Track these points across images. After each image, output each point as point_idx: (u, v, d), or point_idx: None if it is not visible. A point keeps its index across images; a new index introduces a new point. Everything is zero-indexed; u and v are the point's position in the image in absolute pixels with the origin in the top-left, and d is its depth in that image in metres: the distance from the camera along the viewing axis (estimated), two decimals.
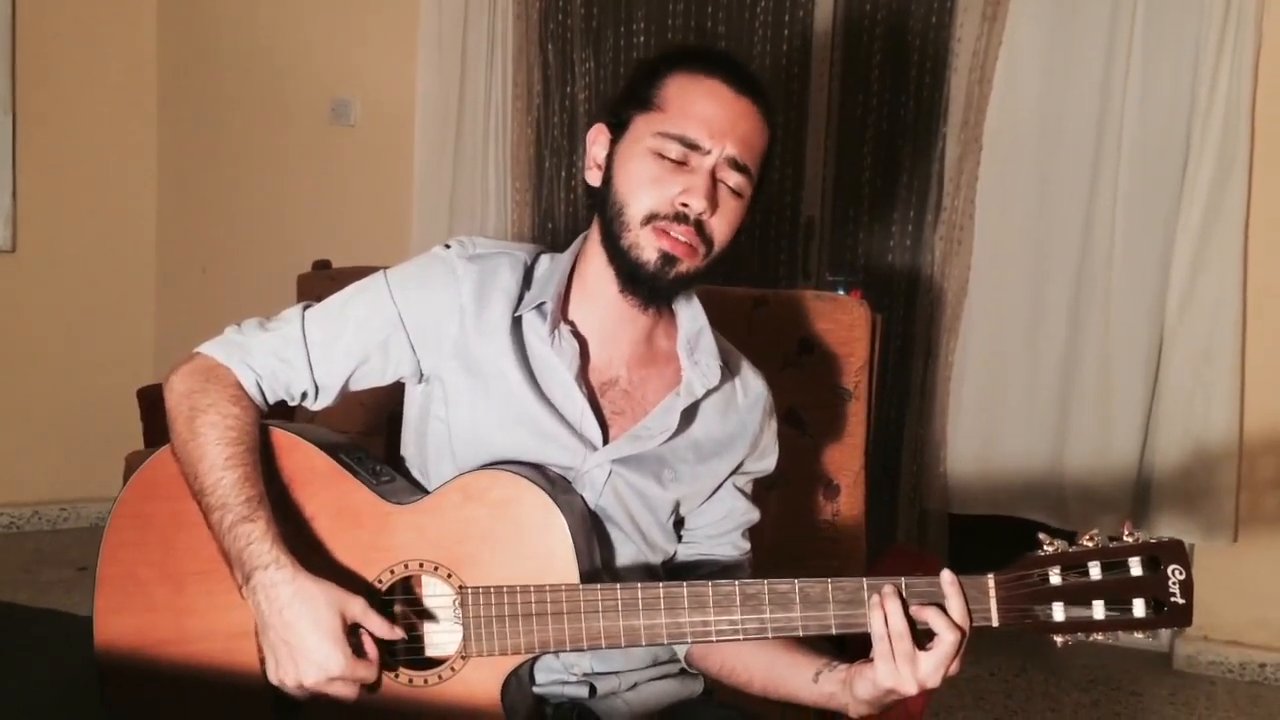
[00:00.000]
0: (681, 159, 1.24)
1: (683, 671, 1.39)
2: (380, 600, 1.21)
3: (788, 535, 1.81)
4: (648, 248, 1.24)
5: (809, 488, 1.93)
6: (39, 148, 3.86)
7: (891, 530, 3.28)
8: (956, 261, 3.17)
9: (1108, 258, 3.03)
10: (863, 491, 1.96)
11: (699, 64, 1.28)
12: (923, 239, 3.30)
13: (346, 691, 1.16)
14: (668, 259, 1.24)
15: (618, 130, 1.29)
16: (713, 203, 1.24)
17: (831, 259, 3.45)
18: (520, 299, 1.30)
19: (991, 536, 3.31)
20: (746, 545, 1.44)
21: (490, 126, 3.64)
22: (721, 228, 1.26)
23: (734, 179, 1.26)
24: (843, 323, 1.93)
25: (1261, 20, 2.86)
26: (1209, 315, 2.93)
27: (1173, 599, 1.08)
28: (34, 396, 3.93)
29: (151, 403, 2.91)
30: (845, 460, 1.95)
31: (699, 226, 1.24)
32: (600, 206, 1.29)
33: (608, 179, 1.28)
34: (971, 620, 1.12)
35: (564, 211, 3.70)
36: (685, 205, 1.23)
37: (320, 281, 3.20)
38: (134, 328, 4.08)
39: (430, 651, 1.23)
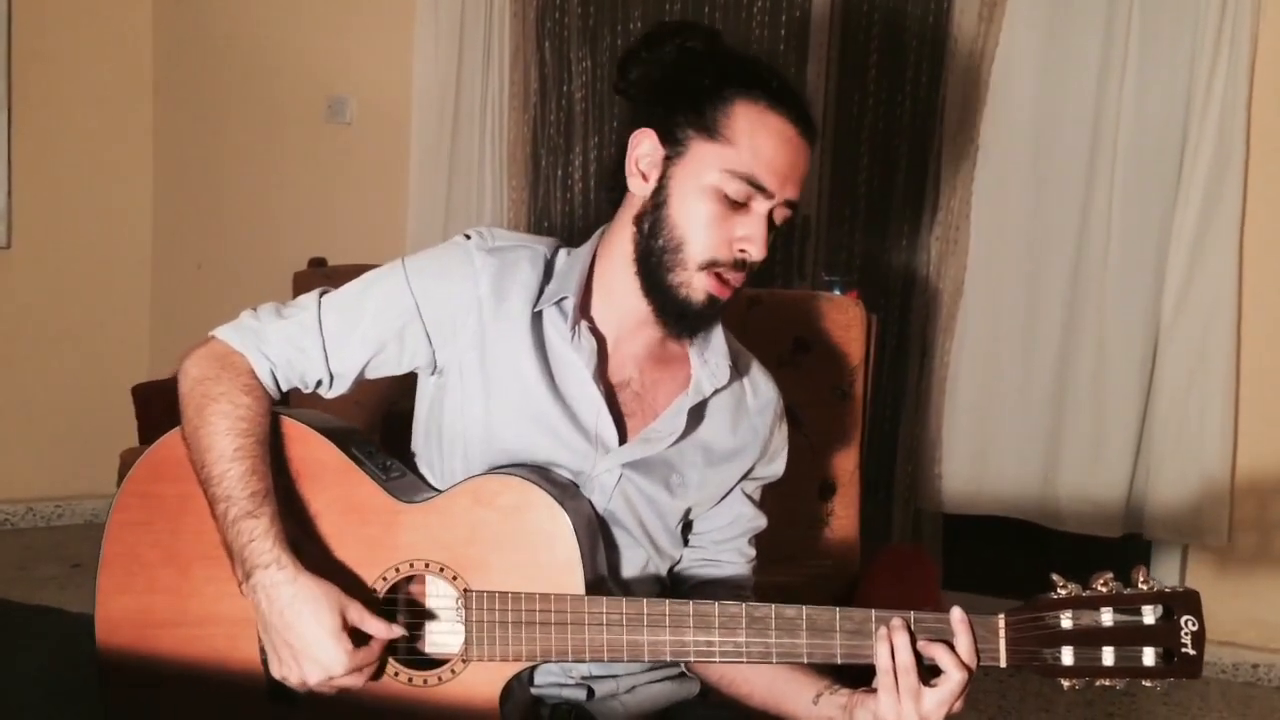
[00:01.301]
0: (743, 199, 1.22)
1: (680, 674, 1.39)
2: (380, 603, 1.21)
3: (783, 535, 1.80)
4: (699, 290, 1.23)
5: (804, 487, 1.93)
6: (34, 144, 3.85)
7: (887, 530, 3.28)
8: (952, 262, 3.17)
9: (1103, 258, 3.03)
10: (857, 491, 1.97)
11: (767, 96, 1.22)
12: (919, 239, 3.30)
13: (350, 687, 1.16)
14: (714, 300, 1.24)
15: (672, 146, 1.24)
16: (767, 248, 1.23)
17: (827, 259, 3.45)
18: (540, 293, 1.28)
19: (986, 537, 3.32)
20: (752, 552, 1.43)
21: (487, 125, 3.64)
22: (762, 260, 1.25)
23: (783, 216, 1.25)
24: (838, 323, 1.94)
25: (1258, 22, 2.86)
26: (1204, 316, 2.94)
27: (1184, 650, 1.08)
28: (28, 393, 3.92)
29: (146, 399, 2.90)
30: (840, 460, 1.96)
31: (750, 269, 1.24)
32: (643, 226, 1.25)
33: (660, 201, 1.24)
34: (979, 660, 1.12)
35: (560, 210, 3.69)
36: (743, 252, 1.22)
37: (316, 279, 3.18)
38: (129, 325, 4.07)
39: (432, 652, 1.23)
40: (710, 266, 1.22)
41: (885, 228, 3.38)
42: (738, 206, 1.22)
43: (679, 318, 1.25)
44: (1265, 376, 2.97)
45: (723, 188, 1.21)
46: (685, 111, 1.23)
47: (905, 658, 1.11)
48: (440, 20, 3.64)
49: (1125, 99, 2.97)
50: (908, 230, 3.34)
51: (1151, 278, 3.01)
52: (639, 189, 1.27)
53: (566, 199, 3.68)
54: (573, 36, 3.62)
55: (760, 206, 1.22)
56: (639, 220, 1.26)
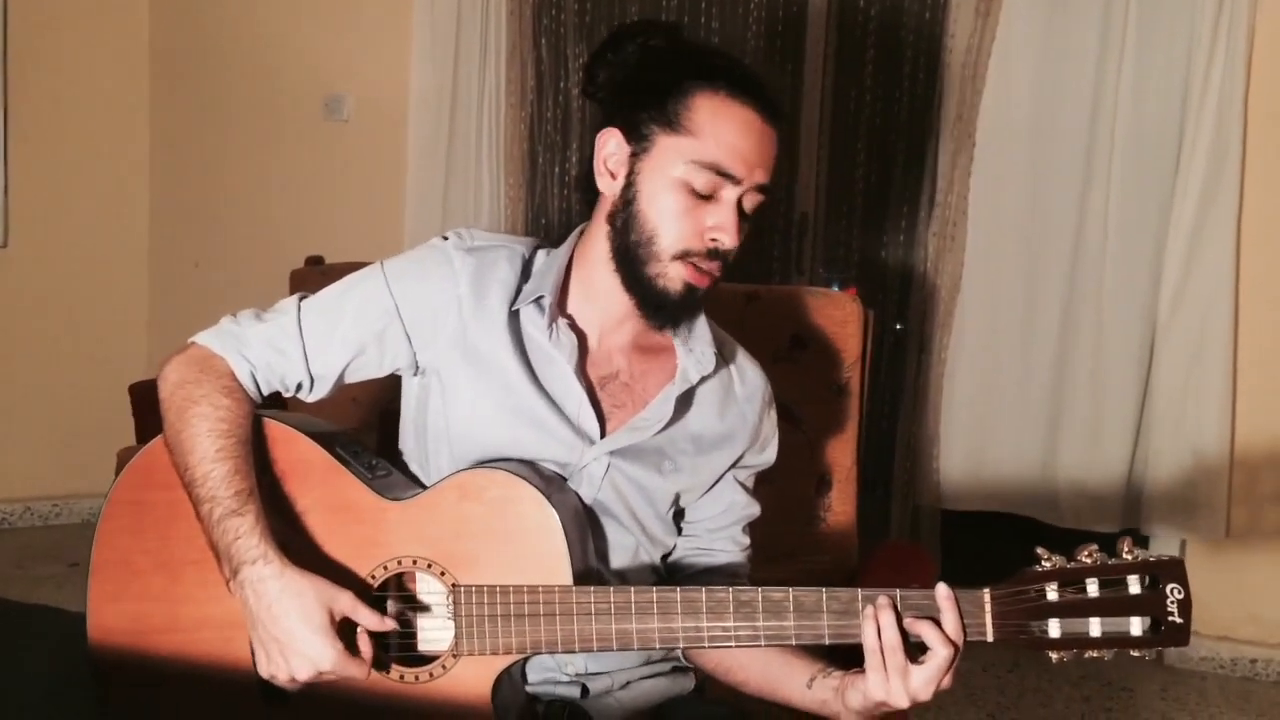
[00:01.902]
0: (711, 189, 1.22)
1: (675, 669, 1.39)
2: (371, 596, 1.21)
3: (779, 530, 1.80)
4: (675, 280, 1.24)
5: (801, 483, 1.93)
6: (30, 142, 3.85)
7: (885, 526, 3.29)
8: (950, 257, 3.17)
9: (1100, 253, 3.03)
10: (855, 487, 1.97)
11: (727, 85, 1.23)
12: (916, 235, 3.30)
13: (338, 684, 1.16)
14: (691, 290, 1.25)
15: (637, 143, 1.25)
16: (740, 236, 1.24)
17: (825, 256, 3.45)
18: (518, 292, 1.29)
19: (985, 532, 3.32)
20: (746, 540, 1.43)
21: (483, 122, 3.64)
22: (738, 247, 1.26)
23: (754, 201, 1.25)
24: (835, 318, 1.94)
25: (1254, 16, 2.86)
26: (1201, 311, 2.94)
27: (1170, 618, 1.07)
28: (26, 392, 3.92)
29: (143, 398, 2.90)
30: (837, 456, 1.96)
31: (725, 258, 1.25)
32: (616, 223, 1.27)
33: (629, 198, 1.25)
34: (966, 635, 1.11)
35: (557, 207, 3.69)
36: (715, 241, 1.23)
37: (313, 277, 3.19)
38: (126, 323, 4.07)
39: (422, 648, 1.23)
40: (684, 257, 1.24)
41: (883, 224, 3.38)
42: (707, 196, 1.23)
43: (658, 309, 1.26)
44: (1263, 370, 2.97)
45: (689, 180, 1.22)
46: (648, 108, 1.24)
47: (891, 636, 1.11)
48: (437, 18, 3.63)
49: (1122, 92, 2.97)
50: (905, 226, 3.34)
51: (1149, 272, 3.01)
52: (608, 188, 1.28)
53: (563, 196, 3.68)
54: (569, 34, 3.62)
55: (729, 194, 1.23)
56: (612, 218, 1.27)
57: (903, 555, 2.09)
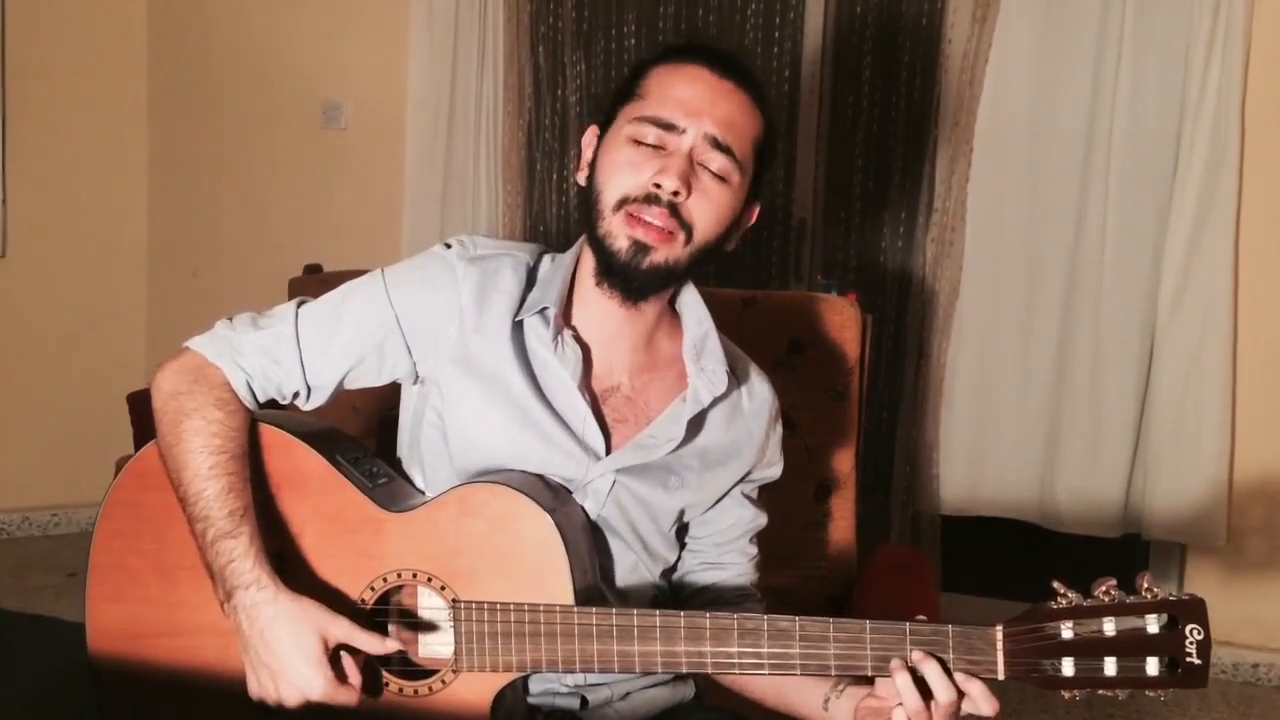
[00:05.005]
0: (659, 143, 1.21)
1: (675, 678, 1.38)
2: (368, 616, 1.20)
3: (778, 537, 1.79)
4: (620, 235, 1.21)
5: (801, 489, 1.93)
6: (28, 151, 3.84)
7: (885, 532, 3.28)
8: (948, 263, 3.17)
9: (1099, 258, 3.03)
10: (854, 493, 1.96)
11: (682, 54, 1.26)
12: (914, 240, 3.30)
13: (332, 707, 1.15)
14: (640, 247, 1.20)
15: (604, 126, 1.28)
16: (687, 184, 1.19)
17: (824, 261, 3.45)
18: (522, 302, 1.27)
19: (985, 538, 3.31)
20: (754, 550, 1.42)
21: (481, 130, 3.63)
22: (703, 211, 1.21)
23: (716, 161, 1.22)
24: (833, 324, 1.94)
25: (1251, 21, 2.86)
26: (1200, 316, 2.93)
27: (1189, 659, 1.03)
28: (24, 401, 3.92)
29: (142, 407, 2.88)
30: (837, 461, 1.95)
31: (674, 209, 1.20)
32: (584, 202, 1.27)
33: (591, 175, 1.26)
34: (977, 674, 1.10)
35: (555, 214, 3.69)
36: (657, 186, 1.19)
37: (311, 285, 3.18)
38: (125, 332, 4.06)
39: (421, 661, 1.22)
40: (622, 205, 1.21)
41: (880, 229, 3.38)
42: (656, 151, 1.21)
43: (609, 270, 1.23)
44: (1262, 375, 2.96)
45: (634, 135, 1.22)
46: (615, 97, 1.28)
47: (945, 696, 1.09)
48: (434, 25, 3.63)
49: (1119, 99, 2.96)
50: (903, 231, 3.33)
51: (1148, 275, 3.01)
52: (584, 179, 1.28)
53: (562, 203, 3.67)
54: (566, 41, 3.61)
55: (676, 144, 1.21)
56: (584, 201, 1.27)
57: (902, 561, 2.09)
